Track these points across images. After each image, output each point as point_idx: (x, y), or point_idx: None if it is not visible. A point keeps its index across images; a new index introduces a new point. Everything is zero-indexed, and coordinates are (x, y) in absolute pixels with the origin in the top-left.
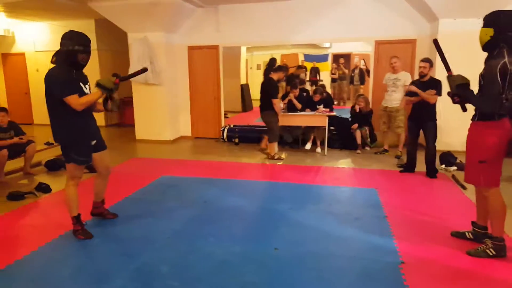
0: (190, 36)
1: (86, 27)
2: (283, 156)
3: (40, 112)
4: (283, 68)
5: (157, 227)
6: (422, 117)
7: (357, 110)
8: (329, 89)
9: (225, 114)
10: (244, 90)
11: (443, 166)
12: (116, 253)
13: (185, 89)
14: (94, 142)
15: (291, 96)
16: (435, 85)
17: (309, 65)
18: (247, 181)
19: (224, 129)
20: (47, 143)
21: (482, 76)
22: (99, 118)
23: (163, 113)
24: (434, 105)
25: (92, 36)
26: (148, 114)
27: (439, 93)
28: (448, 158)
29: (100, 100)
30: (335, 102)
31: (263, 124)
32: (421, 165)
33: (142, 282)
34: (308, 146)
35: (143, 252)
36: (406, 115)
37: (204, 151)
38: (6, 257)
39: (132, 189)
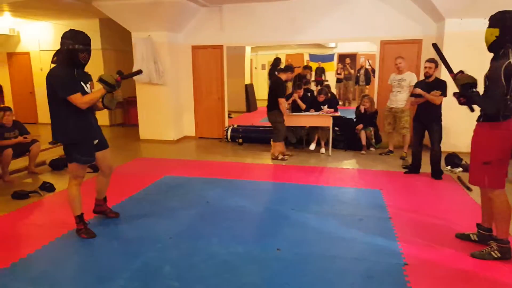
0: (194, 35)
1: (90, 26)
2: (286, 157)
3: (45, 112)
4: (291, 68)
5: (160, 227)
6: (427, 118)
7: (362, 111)
8: (334, 90)
9: (229, 114)
10: (249, 90)
11: (449, 167)
12: (118, 253)
13: (189, 89)
14: (96, 141)
15: (295, 96)
16: (441, 86)
17: (314, 65)
18: (250, 182)
19: (227, 129)
20: (51, 143)
21: (487, 77)
22: (104, 118)
23: (167, 113)
24: (439, 106)
25: (96, 35)
26: (152, 114)
27: (444, 94)
28: (454, 159)
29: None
30: (340, 103)
31: (267, 124)
32: (426, 166)
33: (143, 282)
34: (312, 146)
35: (145, 252)
36: (411, 116)
37: (208, 151)
38: (11, 255)
39: (135, 188)
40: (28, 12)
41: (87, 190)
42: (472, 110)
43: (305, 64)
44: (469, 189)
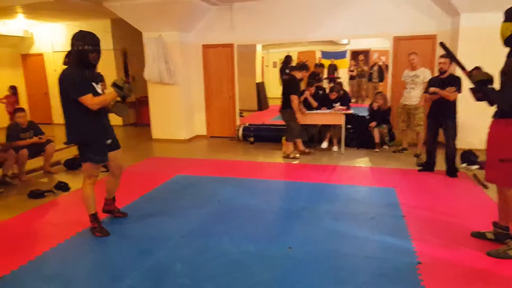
0: (204, 34)
1: (102, 27)
2: (298, 155)
3: (59, 112)
4: (306, 66)
5: (172, 225)
6: (441, 114)
7: (375, 108)
8: (347, 87)
9: (240, 113)
10: (260, 88)
11: (464, 164)
12: (131, 251)
13: (200, 88)
14: (109, 141)
15: (307, 94)
16: (455, 81)
17: (326, 63)
18: (262, 180)
19: (239, 128)
20: (66, 143)
21: (503, 73)
22: (117, 118)
23: (178, 112)
24: (454, 102)
25: (108, 36)
26: (163, 114)
27: (459, 90)
28: (469, 156)
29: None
30: (353, 100)
31: (278, 122)
32: (441, 164)
33: (155, 280)
34: (324, 145)
35: (157, 250)
36: (426, 112)
37: (219, 150)
38: (27, 253)
39: (148, 187)
40: (41, 14)
41: (102, 189)
42: (491, 104)
43: (317, 61)
44: (485, 186)
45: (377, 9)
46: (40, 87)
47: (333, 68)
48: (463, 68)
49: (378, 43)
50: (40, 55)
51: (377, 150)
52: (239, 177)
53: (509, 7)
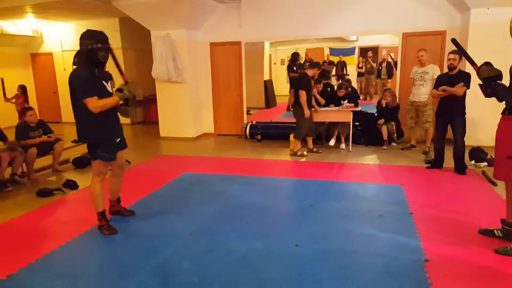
0: (212, 32)
1: (110, 26)
2: (306, 153)
3: (68, 111)
4: (318, 65)
5: (180, 223)
6: (450, 111)
7: (384, 105)
8: (355, 84)
9: (248, 111)
10: (268, 86)
11: (473, 162)
12: (139, 249)
13: (207, 86)
14: (118, 139)
15: (314, 91)
16: (464, 78)
17: (335, 59)
18: (269, 178)
19: (246, 126)
20: (74, 141)
21: None
22: None
23: (186, 110)
24: (463, 99)
25: (116, 34)
26: (171, 112)
27: (467, 85)
28: (478, 153)
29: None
30: (362, 97)
31: (286, 120)
32: (449, 161)
33: (163, 277)
34: (332, 142)
35: (165, 248)
36: (434, 109)
37: (227, 148)
38: (36, 251)
39: (155, 185)
40: (50, 14)
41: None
42: (500, 100)
43: (325, 58)
44: (494, 184)
45: (386, 5)
46: (49, 86)
47: (342, 65)
48: (473, 64)
49: (387, 40)
50: (50, 54)
51: (385, 147)
52: (246, 175)
53: None
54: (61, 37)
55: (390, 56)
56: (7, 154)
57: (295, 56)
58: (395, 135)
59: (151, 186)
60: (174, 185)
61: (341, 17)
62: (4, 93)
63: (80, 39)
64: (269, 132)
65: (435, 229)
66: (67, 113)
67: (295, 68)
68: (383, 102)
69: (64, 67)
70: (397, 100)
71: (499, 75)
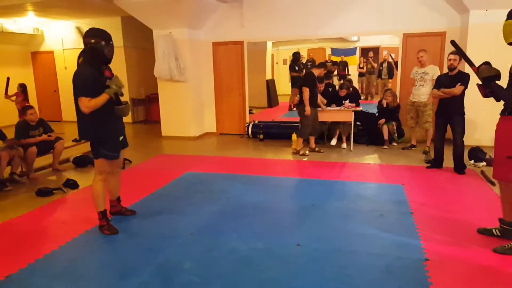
0: (214, 32)
1: (112, 24)
2: (307, 152)
3: (69, 110)
4: (324, 65)
5: (181, 223)
6: (449, 111)
7: (384, 105)
8: (356, 84)
9: (250, 110)
10: (270, 85)
11: (472, 161)
12: (140, 248)
13: (210, 86)
14: (121, 137)
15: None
16: (464, 78)
17: (337, 60)
18: (271, 177)
19: (248, 125)
20: (75, 140)
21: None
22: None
23: (188, 109)
24: (462, 99)
25: (118, 33)
26: (173, 111)
27: (465, 84)
28: (477, 153)
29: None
30: (363, 97)
31: (288, 119)
32: (449, 161)
33: (165, 277)
34: (333, 141)
35: (166, 248)
36: (434, 109)
37: (229, 147)
38: (36, 251)
39: (157, 185)
40: (51, 12)
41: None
42: (498, 100)
43: (327, 58)
44: (492, 183)
45: (387, 5)
46: (50, 84)
47: (343, 65)
48: (472, 65)
49: (388, 40)
50: (50, 52)
51: (385, 147)
52: (248, 174)
53: None
54: (62, 36)
55: (391, 57)
56: (6, 153)
57: (296, 55)
58: (396, 135)
59: (152, 186)
60: (176, 184)
61: (342, 17)
62: (7, 91)
63: (84, 37)
64: (271, 132)
65: (435, 229)
66: (68, 112)
67: (296, 67)
68: (384, 102)
69: (65, 65)
70: (398, 100)
71: (498, 75)
